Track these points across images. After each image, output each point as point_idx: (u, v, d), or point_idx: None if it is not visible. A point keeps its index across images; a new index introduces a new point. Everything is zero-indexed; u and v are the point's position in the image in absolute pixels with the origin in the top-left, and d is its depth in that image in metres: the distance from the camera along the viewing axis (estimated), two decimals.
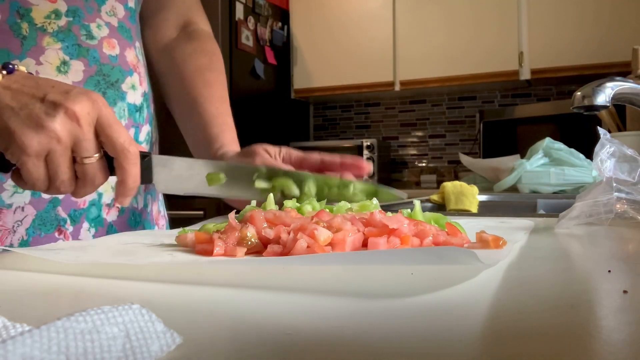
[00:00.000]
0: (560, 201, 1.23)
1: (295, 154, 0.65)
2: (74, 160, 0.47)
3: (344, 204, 0.49)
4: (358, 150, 2.91)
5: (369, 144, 2.90)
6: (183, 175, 0.54)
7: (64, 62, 0.62)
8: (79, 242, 0.50)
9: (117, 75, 0.66)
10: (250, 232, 0.41)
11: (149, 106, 0.73)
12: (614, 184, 0.55)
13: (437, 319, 0.24)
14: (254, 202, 0.51)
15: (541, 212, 1.16)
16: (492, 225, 0.56)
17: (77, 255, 0.40)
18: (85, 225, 0.65)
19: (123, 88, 0.67)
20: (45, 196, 0.62)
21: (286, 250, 0.38)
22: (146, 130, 0.72)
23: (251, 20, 2.92)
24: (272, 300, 0.28)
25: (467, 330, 0.23)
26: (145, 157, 0.51)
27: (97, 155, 0.46)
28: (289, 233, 0.39)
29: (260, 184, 0.55)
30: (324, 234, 0.38)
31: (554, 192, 1.49)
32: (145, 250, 0.43)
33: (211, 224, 0.48)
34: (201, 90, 0.75)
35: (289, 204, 0.49)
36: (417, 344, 0.21)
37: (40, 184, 0.46)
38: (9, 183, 0.59)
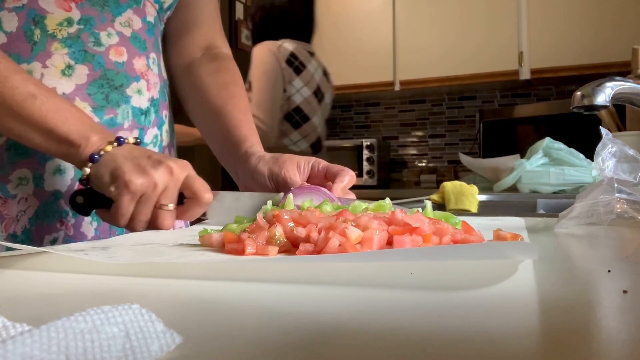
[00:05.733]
0: (560, 201, 1.23)
1: (323, 164, 0.66)
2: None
3: (359, 204, 0.49)
4: (358, 150, 2.91)
5: (368, 143, 2.90)
6: (232, 207, 0.61)
7: (69, 66, 0.65)
8: (96, 242, 0.50)
9: (122, 80, 0.70)
10: (279, 232, 0.41)
11: (157, 111, 0.76)
12: (616, 185, 0.55)
13: (438, 318, 0.24)
14: (269, 203, 0.52)
15: (541, 212, 1.16)
16: (485, 223, 0.58)
17: (110, 257, 0.39)
18: (87, 218, 0.68)
19: (127, 92, 0.70)
20: (49, 188, 0.65)
21: (318, 249, 0.38)
22: (153, 133, 0.76)
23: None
24: (272, 300, 0.28)
25: (466, 330, 0.23)
26: None
27: (173, 205, 0.57)
28: (319, 232, 0.40)
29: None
30: (355, 233, 0.38)
31: (554, 192, 1.49)
32: (172, 251, 0.43)
33: (234, 225, 0.48)
34: (227, 100, 0.79)
35: (306, 204, 0.50)
36: (424, 342, 0.21)
37: (123, 219, 0.55)
38: (14, 175, 0.64)
